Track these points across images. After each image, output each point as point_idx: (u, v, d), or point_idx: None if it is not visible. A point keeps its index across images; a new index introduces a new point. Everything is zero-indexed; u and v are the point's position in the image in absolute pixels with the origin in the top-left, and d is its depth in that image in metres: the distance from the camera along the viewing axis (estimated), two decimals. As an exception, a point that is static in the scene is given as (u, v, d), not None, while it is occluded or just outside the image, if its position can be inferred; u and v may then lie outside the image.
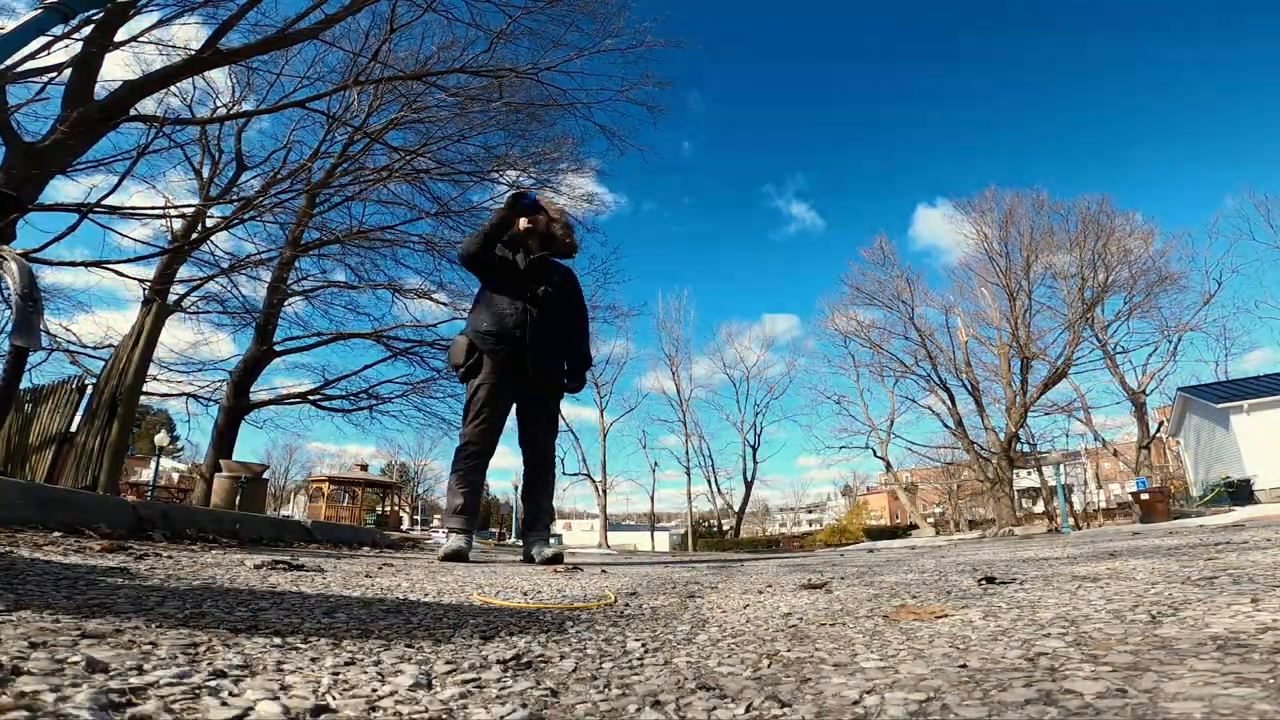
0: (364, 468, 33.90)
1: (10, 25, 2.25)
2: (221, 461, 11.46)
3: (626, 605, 1.54)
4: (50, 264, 7.41)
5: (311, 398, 14.27)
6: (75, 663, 0.66)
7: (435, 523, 58.76)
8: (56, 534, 2.42)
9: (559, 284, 3.81)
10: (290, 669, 0.73)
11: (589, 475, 36.45)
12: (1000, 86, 77.53)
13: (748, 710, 0.65)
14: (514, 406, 3.76)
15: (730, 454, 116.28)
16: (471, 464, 3.56)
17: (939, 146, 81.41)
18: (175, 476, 29.83)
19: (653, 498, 50.19)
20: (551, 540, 3.80)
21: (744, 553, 22.38)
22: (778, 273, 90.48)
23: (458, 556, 3.27)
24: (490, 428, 3.59)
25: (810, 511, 72.20)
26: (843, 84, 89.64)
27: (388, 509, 30.71)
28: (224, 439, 12.68)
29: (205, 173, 12.45)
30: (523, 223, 3.76)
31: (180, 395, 12.77)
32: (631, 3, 9.60)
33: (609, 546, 29.11)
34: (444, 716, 0.61)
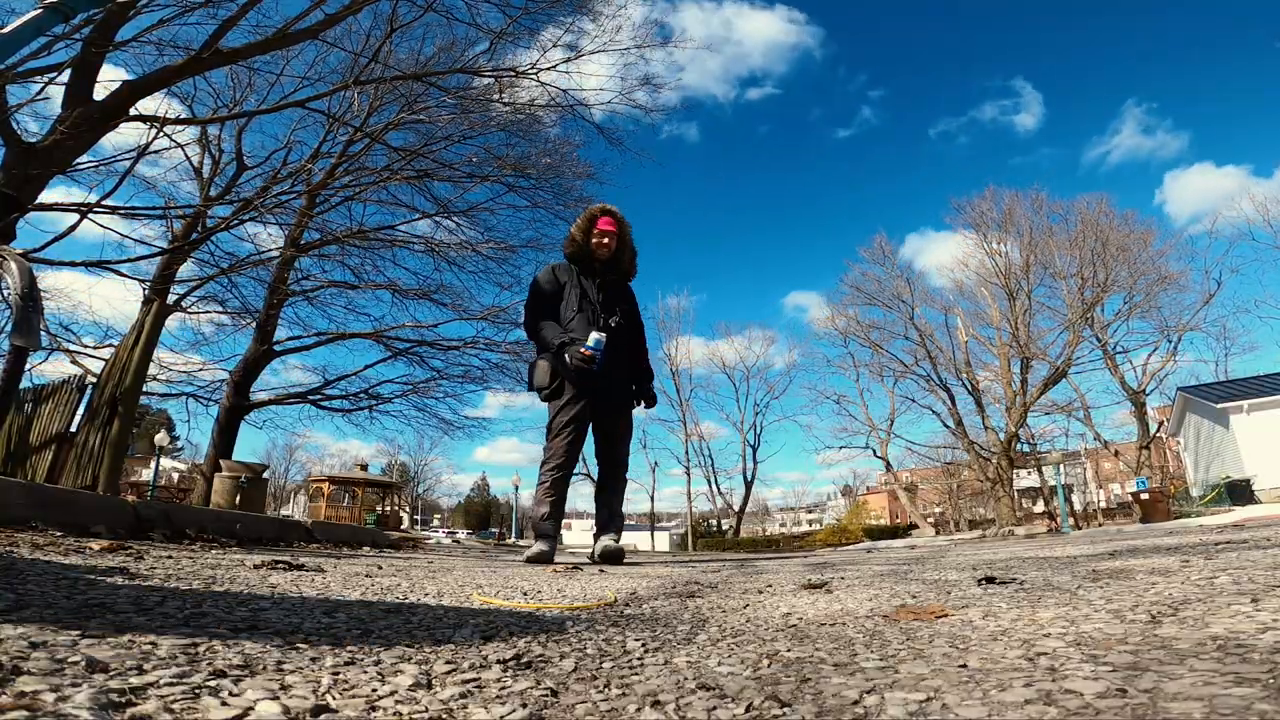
0: (364, 467, 33.84)
1: (10, 25, 2.25)
2: (221, 461, 11.46)
3: (626, 605, 1.54)
4: (50, 264, 7.40)
5: (311, 398, 14.27)
6: (75, 663, 0.66)
7: (435, 523, 58.78)
8: (57, 534, 2.42)
9: (627, 308, 4.18)
10: (290, 669, 0.73)
11: (589, 475, 36.43)
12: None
13: (747, 710, 0.65)
14: (591, 423, 4.11)
15: (730, 454, 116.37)
16: (556, 476, 3.90)
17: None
18: (175, 476, 29.82)
19: (653, 497, 50.14)
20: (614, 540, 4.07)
21: (744, 552, 22.38)
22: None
23: (541, 559, 3.62)
24: (573, 445, 3.94)
25: (810, 511, 72.18)
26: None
27: (388, 509, 30.64)
28: (224, 439, 12.68)
29: (205, 172, 12.45)
30: (595, 239, 4.07)
31: (180, 395, 12.78)
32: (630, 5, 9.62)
33: (609, 546, 29.02)
34: (444, 716, 0.61)
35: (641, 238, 4.42)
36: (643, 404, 4.27)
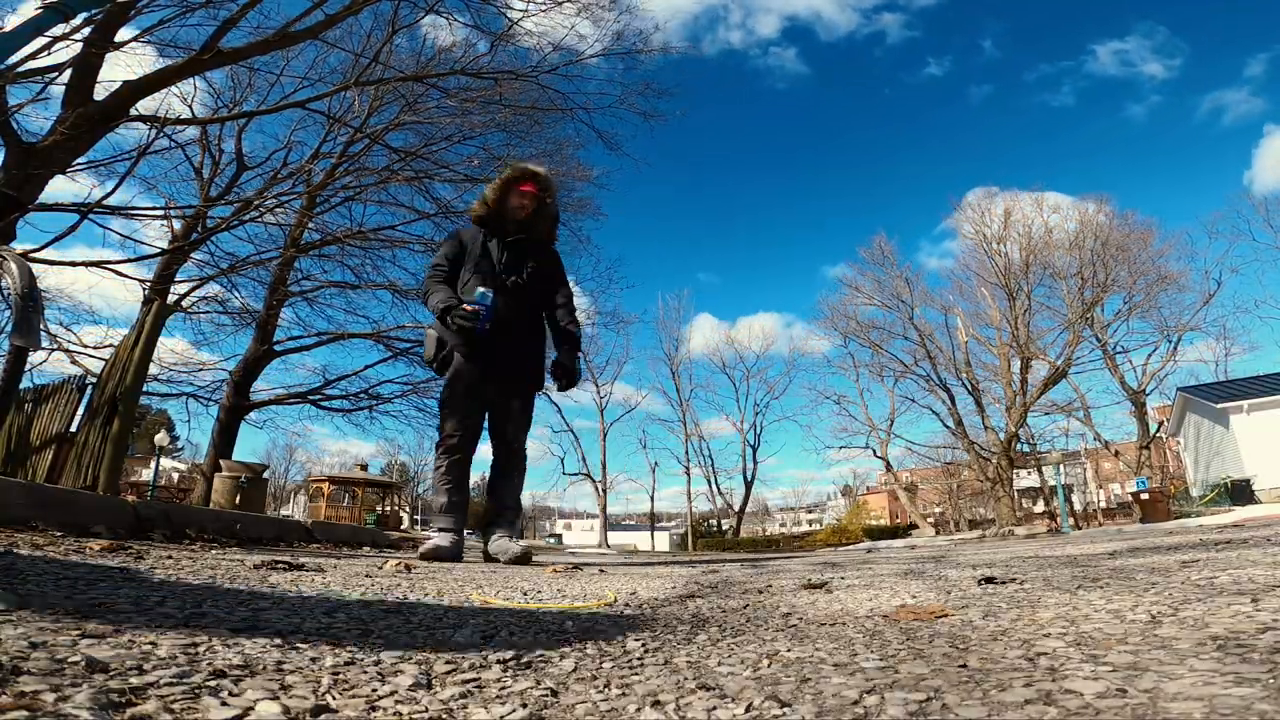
0: (364, 467, 33.87)
1: (10, 25, 2.25)
2: (221, 461, 11.47)
3: (626, 605, 1.54)
4: (50, 264, 7.42)
5: (312, 398, 14.28)
6: (75, 663, 0.66)
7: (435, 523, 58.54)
8: (57, 534, 2.42)
9: (537, 268, 3.66)
10: (290, 669, 0.73)
11: (589, 475, 36.43)
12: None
13: (747, 710, 0.65)
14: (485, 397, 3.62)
15: (730, 454, 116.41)
16: (453, 459, 3.45)
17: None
18: (175, 476, 29.82)
19: (652, 497, 50.19)
20: (517, 540, 3.60)
21: (744, 553, 22.37)
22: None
23: (437, 555, 3.16)
24: (465, 423, 3.48)
25: (810, 511, 72.13)
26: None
27: (387, 509, 30.68)
28: (224, 439, 12.68)
29: (205, 173, 12.46)
30: (514, 201, 3.61)
31: (180, 395, 12.78)
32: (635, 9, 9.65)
33: (609, 546, 29.11)
34: (444, 716, 0.61)
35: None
36: (556, 383, 3.67)
